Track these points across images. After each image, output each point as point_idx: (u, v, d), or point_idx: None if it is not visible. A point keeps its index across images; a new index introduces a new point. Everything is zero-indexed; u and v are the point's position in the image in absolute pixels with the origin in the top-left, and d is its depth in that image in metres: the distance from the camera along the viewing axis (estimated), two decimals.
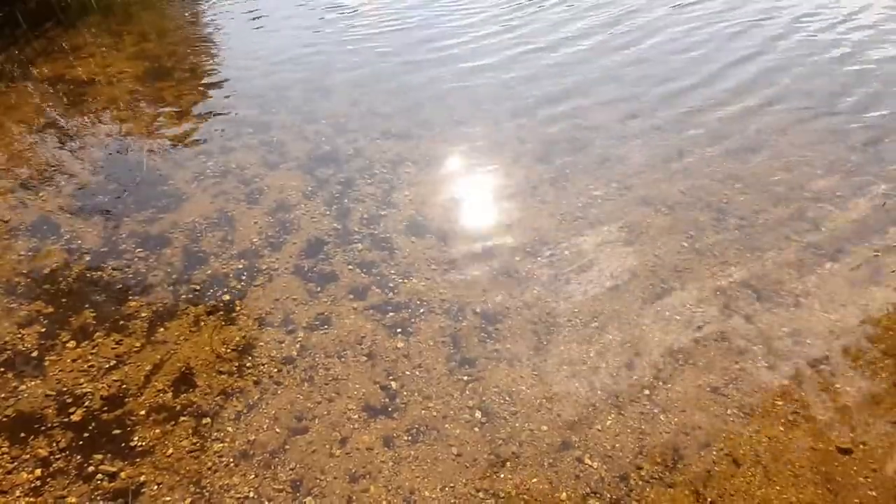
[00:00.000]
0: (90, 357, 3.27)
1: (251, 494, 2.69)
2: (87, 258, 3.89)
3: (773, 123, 5.34)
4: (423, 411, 3.06)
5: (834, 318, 3.56)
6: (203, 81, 6.13)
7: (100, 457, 2.82)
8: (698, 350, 3.37)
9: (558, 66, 6.41)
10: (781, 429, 2.98)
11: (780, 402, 3.10)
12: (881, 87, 5.88)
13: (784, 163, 4.83)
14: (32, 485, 2.70)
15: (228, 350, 3.35)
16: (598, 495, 2.71)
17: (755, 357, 3.33)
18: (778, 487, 2.73)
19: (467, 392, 3.16)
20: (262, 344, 3.39)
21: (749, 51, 6.68)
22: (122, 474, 2.75)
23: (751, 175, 4.70)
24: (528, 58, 6.62)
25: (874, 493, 2.71)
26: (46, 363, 3.23)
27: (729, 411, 3.06)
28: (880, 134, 5.15)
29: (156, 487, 2.71)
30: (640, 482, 2.77)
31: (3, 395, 3.07)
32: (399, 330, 3.49)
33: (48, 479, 2.72)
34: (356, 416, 3.03)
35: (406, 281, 3.80)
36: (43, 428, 2.93)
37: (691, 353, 3.36)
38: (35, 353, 3.28)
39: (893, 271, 3.84)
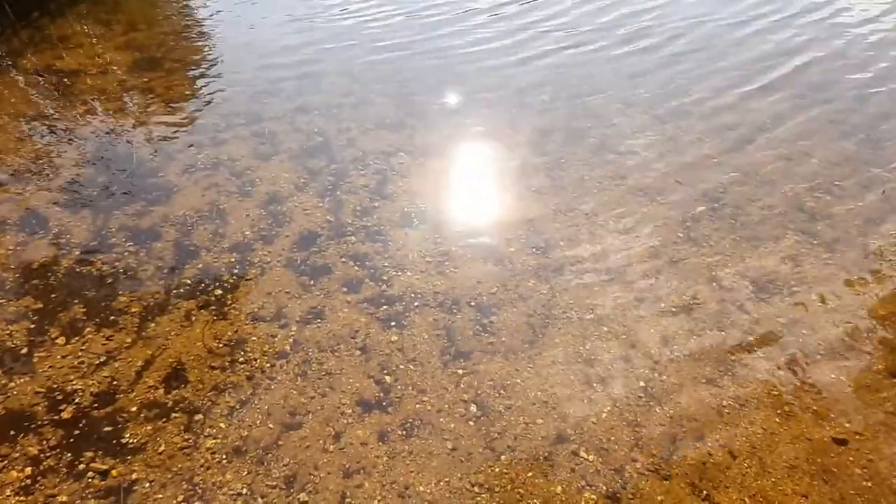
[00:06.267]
0: (80, 353, 3.23)
1: (244, 491, 2.67)
2: (77, 252, 3.84)
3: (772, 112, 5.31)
4: (417, 405, 3.04)
5: (830, 307, 3.54)
6: (193, 72, 6.03)
7: (91, 454, 2.78)
8: (694, 341, 3.35)
9: (553, 55, 6.33)
10: (777, 420, 2.97)
11: (775, 393, 3.09)
12: None
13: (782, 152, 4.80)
14: (23, 483, 2.67)
15: (220, 345, 3.31)
16: (594, 488, 2.70)
17: (750, 347, 3.32)
18: (773, 479, 2.72)
19: (462, 385, 3.13)
20: (254, 338, 3.36)
21: (749, 39, 6.63)
22: (114, 472, 2.72)
23: (748, 164, 4.67)
24: (522, 46, 6.54)
25: (869, 484, 2.71)
26: (35, 360, 3.19)
27: (724, 403, 3.05)
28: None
29: (148, 485, 2.68)
30: (636, 474, 2.75)
31: None
32: (393, 323, 3.46)
33: (38, 478, 2.69)
34: (350, 411, 3.01)
35: (400, 273, 3.76)
36: (33, 426, 2.89)
37: (687, 344, 3.34)
38: (24, 350, 3.24)
39: (889, 261, 3.83)
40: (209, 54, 6.42)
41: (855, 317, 3.49)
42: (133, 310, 3.49)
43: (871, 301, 3.58)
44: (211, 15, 7.40)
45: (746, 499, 2.66)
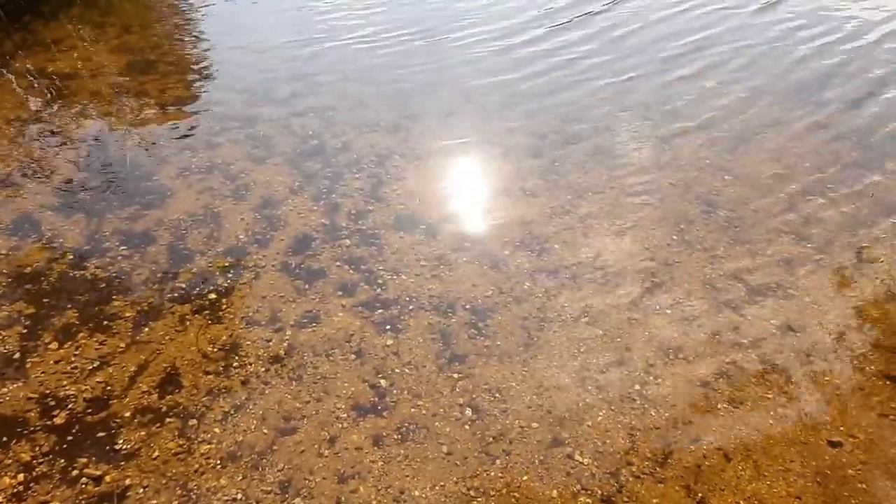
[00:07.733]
0: (73, 358, 3.21)
1: (239, 496, 2.66)
2: (70, 257, 3.82)
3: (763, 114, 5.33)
4: (412, 409, 3.04)
5: (823, 310, 3.56)
6: (187, 75, 6.01)
7: (84, 460, 2.77)
8: (688, 344, 3.36)
9: (548, 58, 6.34)
10: (771, 422, 2.98)
11: (770, 396, 3.10)
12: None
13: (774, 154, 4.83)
14: (15, 490, 2.65)
15: (215, 349, 3.30)
16: (589, 492, 2.71)
17: (745, 350, 3.33)
18: (768, 482, 2.73)
19: (457, 389, 3.13)
20: (249, 343, 3.35)
21: (745, 41, 6.66)
22: (107, 478, 2.71)
23: (740, 166, 4.69)
24: (516, 49, 6.55)
25: (864, 486, 2.72)
26: (28, 365, 3.17)
27: (719, 405, 3.06)
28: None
29: (141, 491, 2.67)
30: (631, 478, 2.76)
31: None
32: (388, 327, 3.46)
33: (31, 484, 2.67)
34: (345, 416, 3.00)
35: (395, 277, 3.76)
36: (25, 431, 2.88)
37: (681, 347, 3.35)
38: (16, 355, 3.22)
39: (882, 262, 3.85)
40: (203, 57, 6.40)
41: (848, 319, 3.51)
42: (127, 314, 3.47)
43: (865, 303, 3.60)
44: (205, 18, 7.38)
45: (741, 501, 2.66)
